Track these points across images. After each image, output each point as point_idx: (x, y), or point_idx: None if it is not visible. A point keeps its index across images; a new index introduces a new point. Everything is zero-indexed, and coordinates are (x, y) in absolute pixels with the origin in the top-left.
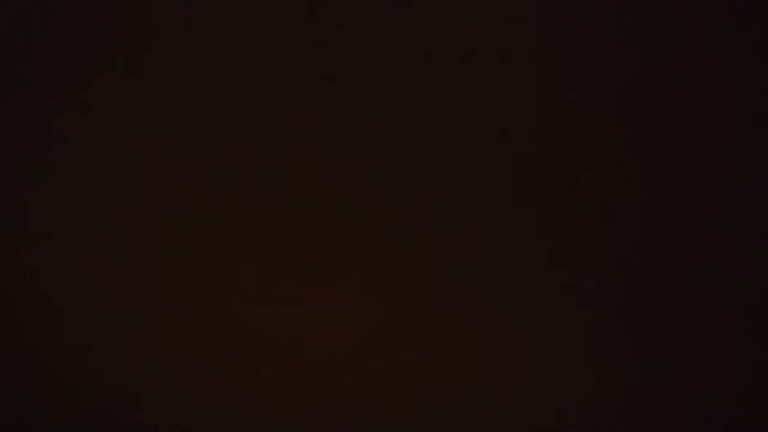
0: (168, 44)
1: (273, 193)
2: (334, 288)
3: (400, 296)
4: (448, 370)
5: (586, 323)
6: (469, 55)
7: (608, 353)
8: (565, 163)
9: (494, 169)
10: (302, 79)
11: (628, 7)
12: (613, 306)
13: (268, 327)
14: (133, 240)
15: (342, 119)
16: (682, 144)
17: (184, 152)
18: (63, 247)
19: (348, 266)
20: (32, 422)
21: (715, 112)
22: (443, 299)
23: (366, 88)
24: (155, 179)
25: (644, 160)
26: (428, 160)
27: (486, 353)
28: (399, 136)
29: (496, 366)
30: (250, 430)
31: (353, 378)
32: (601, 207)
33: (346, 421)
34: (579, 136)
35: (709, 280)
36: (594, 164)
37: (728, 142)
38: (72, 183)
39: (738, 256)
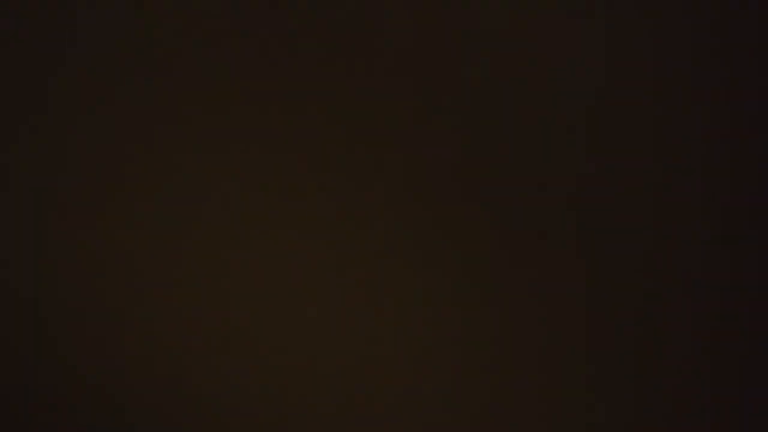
0: (167, 45)
1: (273, 194)
2: (334, 287)
3: (402, 297)
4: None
5: (587, 320)
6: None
7: (611, 359)
8: (564, 162)
9: (498, 171)
10: (302, 79)
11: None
12: (617, 309)
13: (268, 326)
14: (133, 240)
15: (341, 118)
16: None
17: (181, 153)
18: (59, 247)
19: (348, 265)
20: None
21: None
22: (446, 300)
23: (366, 88)
24: (154, 180)
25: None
26: (431, 162)
27: (482, 356)
28: (399, 136)
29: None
30: (249, 429)
31: (355, 378)
32: (600, 205)
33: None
34: (577, 134)
35: (710, 281)
36: (590, 162)
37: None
38: (72, 182)
39: (739, 257)
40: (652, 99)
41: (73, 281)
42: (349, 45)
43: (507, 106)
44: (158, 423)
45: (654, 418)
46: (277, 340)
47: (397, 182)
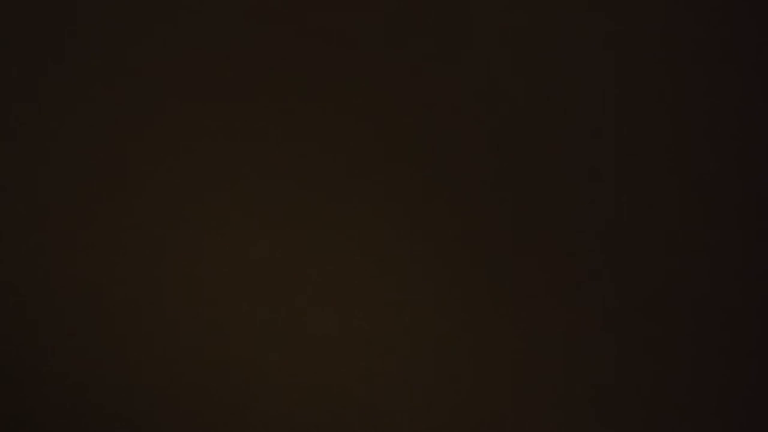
0: (168, 45)
1: (274, 195)
2: (335, 288)
3: (420, 301)
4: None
5: (589, 321)
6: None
7: (619, 362)
8: (564, 162)
9: (498, 170)
10: (303, 79)
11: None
12: (622, 312)
13: (268, 327)
14: (130, 241)
15: (342, 119)
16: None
17: (182, 153)
18: (59, 246)
19: (349, 264)
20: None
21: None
22: (450, 300)
23: (366, 88)
24: (154, 179)
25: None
26: (434, 162)
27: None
28: (401, 136)
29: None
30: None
31: (355, 380)
32: (600, 203)
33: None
34: (578, 132)
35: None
36: (589, 160)
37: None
38: (69, 181)
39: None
40: (655, 99)
41: (73, 281)
42: (364, 44)
43: (532, 107)
44: (158, 423)
45: (666, 428)
46: (292, 343)
47: (414, 186)
